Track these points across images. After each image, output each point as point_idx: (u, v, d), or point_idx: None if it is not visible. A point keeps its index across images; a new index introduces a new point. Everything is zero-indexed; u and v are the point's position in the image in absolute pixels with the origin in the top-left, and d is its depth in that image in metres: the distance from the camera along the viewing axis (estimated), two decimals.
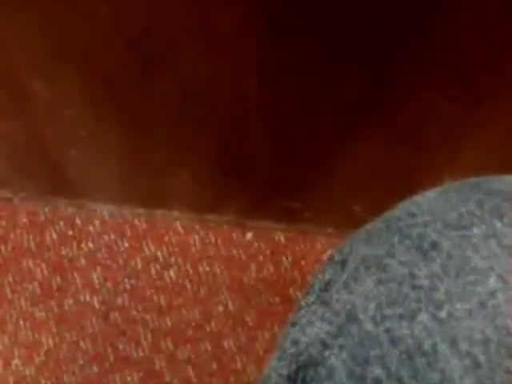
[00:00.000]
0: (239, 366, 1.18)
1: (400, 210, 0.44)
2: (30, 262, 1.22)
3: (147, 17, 0.76)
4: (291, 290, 1.21)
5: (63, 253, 1.22)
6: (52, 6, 0.76)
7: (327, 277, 0.43)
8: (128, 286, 1.21)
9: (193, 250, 1.22)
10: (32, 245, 1.23)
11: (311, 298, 0.43)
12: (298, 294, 1.20)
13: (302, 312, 0.43)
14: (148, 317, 1.19)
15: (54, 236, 1.23)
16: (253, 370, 1.18)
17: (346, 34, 0.75)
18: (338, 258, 0.44)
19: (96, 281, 1.21)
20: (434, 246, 0.39)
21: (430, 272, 0.38)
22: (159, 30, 0.78)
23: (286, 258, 1.22)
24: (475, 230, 0.39)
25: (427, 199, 0.43)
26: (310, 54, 0.79)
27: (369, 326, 0.38)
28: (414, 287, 0.38)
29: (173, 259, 1.22)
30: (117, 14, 0.76)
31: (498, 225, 0.39)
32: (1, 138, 1.05)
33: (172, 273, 1.21)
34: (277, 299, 1.20)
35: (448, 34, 0.73)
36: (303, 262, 1.22)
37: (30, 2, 0.75)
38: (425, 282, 0.38)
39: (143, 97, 0.90)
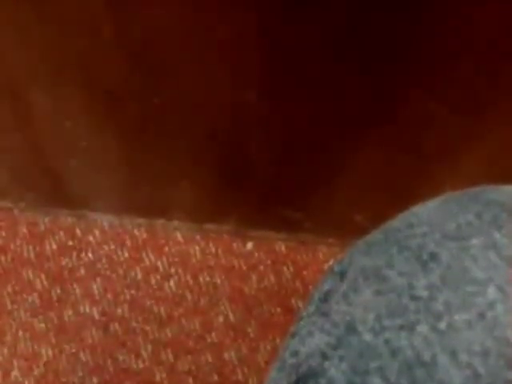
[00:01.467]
0: (240, 377, 1.17)
1: (399, 220, 0.44)
2: (30, 273, 1.22)
3: (147, 30, 0.77)
4: (293, 301, 1.21)
5: (63, 263, 1.22)
6: (53, 19, 0.76)
7: (326, 288, 0.43)
8: (128, 297, 1.20)
9: (193, 260, 1.22)
10: (32, 255, 1.23)
11: (311, 309, 0.43)
12: (300, 304, 1.20)
13: (302, 323, 0.43)
14: (148, 328, 1.19)
15: (54, 246, 1.23)
16: (254, 381, 1.17)
17: (345, 45, 0.75)
18: (337, 268, 0.44)
19: (96, 291, 1.21)
20: (433, 256, 0.39)
21: (429, 283, 0.38)
22: (159, 43, 0.79)
23: (288, 268, 1.22)
24: (474, 241, 0.39)
25: (426, 210, 0.43)
26: (310, 66, 0.79)
27: (368, 337, 0.38)
28: (413, 298, 0.38)
29: (173, 269, 1.22)
30: (117, 27, 0.76)
31: (497, 235, 0.39)
32: (1, 148, 1.05)
33: (172, 283, 1.21)
34: (278, 310, 1.20)
35: (448, 45, 0.73)
36: (305, 272, 1.22)
37: (30, 14, 0.75)
38: (424, 293, 0.38)
39: (143, 108, 0.90)
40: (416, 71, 0.78)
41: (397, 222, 0.44)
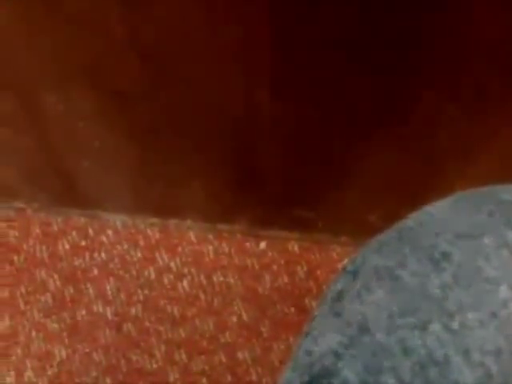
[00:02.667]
0: (254, 377, 1.17)
1: (411, 220, 0.44)
2: (43, 273, 1.22)
3: (159, 30, 0.77)
4: (306, 300, 1.21)
5: (76, 263, 1.22)
6: (65, 20, 0.76)
7: (339, 287, 0.43)
8: (141, 297, 1.21)
9: (206, 259, 1.22)
10: (45, 255, 1.23)
11: (324, 309, 0.43)
12: (314, 304, 1.20)
13: (315, 322, 0.43)
14: (161, 328, 1.19)
15: (67, 246, 1.23)
16: (268, 381, 1.17)
17: (357, 46, 0.75)
18: (349, 268, 0.44)
19: (109, 291, 1.21)
20: (446, 256, 0.39)
21: (441, 282, 0.38)
22: (171, 43, 0.79)
23: (301, 268, 1.22)
24: (486, 240, 0.39)
25: (438, 209, 0.43)
26: (322, 67, 0.79)
27: (381, 337, 0.38)
28: (425, 297, 0.38)
29: (186, 269, 1.22)
30: (129, 28, 0.76)
31: (510, 234, 0.38)
32: (14, 148, 1.06)
33: (185, 283, 1.21)
34: (292, 309, 1.20)
35: (459, 47, 0.73)
36: (318, 272, 1.22)
37: (43, 16, 0.76)
38: (436, 292, 0.38)
39: (155, 108, 0.91)
40: (427, 72, 0.78)
41: (409, 221, 0.44)
